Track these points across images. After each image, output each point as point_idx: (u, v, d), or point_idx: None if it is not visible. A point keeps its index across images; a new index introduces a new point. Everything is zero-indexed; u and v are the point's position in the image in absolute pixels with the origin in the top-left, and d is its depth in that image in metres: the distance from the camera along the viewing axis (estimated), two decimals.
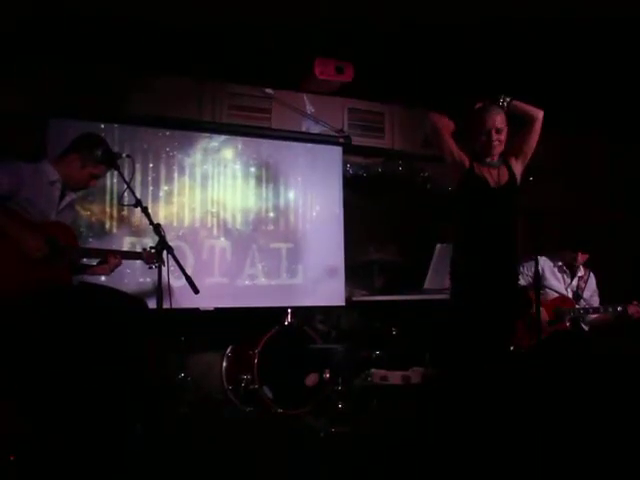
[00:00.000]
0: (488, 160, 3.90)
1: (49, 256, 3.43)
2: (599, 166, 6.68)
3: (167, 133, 5.29)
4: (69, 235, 3.67)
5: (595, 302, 5.15)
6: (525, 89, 5.71)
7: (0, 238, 3.30)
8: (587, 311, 5.00)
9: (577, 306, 5.07)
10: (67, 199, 3.78)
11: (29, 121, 4.81)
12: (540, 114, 4.03)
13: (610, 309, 4.97)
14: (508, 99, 4.00)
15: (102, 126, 4.87)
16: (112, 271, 3.92)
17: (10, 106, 4.74)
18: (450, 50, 5.12)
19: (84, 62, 4.98)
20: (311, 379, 5.06)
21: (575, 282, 5.18)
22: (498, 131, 3.84)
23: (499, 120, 3.86)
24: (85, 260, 3.99)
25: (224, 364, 5.20)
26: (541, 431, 3.78)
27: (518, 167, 4.00)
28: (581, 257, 5.11)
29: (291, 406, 4.91)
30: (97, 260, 3.92)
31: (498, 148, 3.89)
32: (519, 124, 4.00)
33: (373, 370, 5.15)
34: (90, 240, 4.88)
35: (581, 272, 5.20)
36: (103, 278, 4.08)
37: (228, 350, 5.24)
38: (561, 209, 6.14)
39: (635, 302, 4.88)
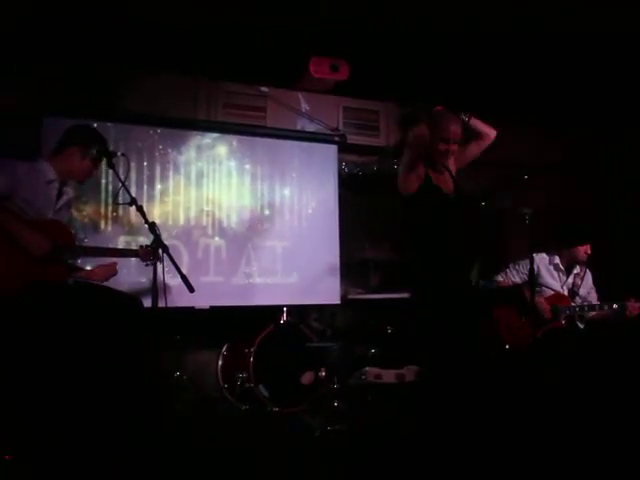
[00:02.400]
0: (438, 167, 3.92)
1: (48, 255, 3.42)
2: (597, 164, 6.68)
3: (162, 131, 5.28)
4: (66, 234, 3.67)
5: (593, 299, 5.17)
6: (523, 87, 5.80)
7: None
8: (583, 308, 5.02)
9: (573, 304, 5.08)
10: (64, 198, 3.77)
11: (24, 120, 4.79)
12: (493, 134, 4.02)
13: (606, 307, 4.99)
14: (468, 115, 3.96)
15: (96, 124, 4.84)
16: (107, 279, 3.92)
17: (4, 104, 4.72)
18: (445, 48, 5.12)
19: (78, 60, 4.98)
20: (307, 377, 5.06)
21: (571, 279, 5.19)
22: (455, 142, 3.85)
23: (459, 131, 3.86)
24: (79, 262, 3.99)
25: (220, 362, 5.20)
26: (536, 429, 3.79)
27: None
28: (583, 251, 5.10)
29: (287, 404, 4.90)
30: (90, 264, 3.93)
31: (451, 157, 3.93)
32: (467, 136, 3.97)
33: (367, 368, 5.17)
34: (85, 239, 4.86)
35: (577, 269, 5.21)
36: None
37: (224, 348, 5.25)
38: (559, 207, 6.15)
39: (633, 299, 4.90)
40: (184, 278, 3.56)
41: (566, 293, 5.14)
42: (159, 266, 3.63)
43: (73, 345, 3.33)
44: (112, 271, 3.92)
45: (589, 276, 5.25)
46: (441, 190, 3.90)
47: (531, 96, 6.05)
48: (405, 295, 5.52)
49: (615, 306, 4.96)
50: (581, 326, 5.04)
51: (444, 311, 3.97)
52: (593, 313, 5.04)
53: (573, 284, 5.18)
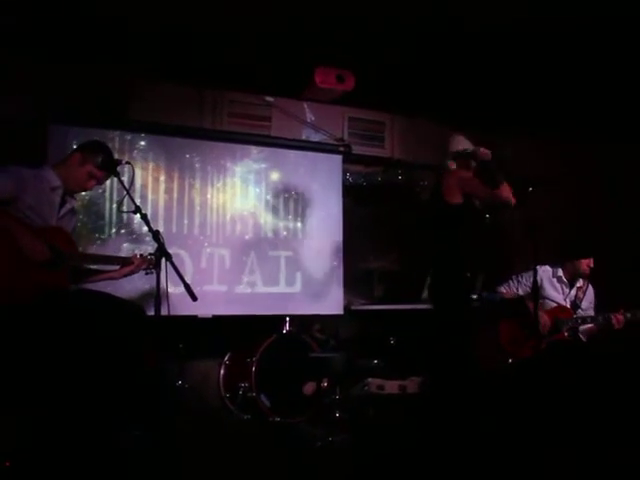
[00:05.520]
0: None
1: (49, 261, 3.43)
2: (600, 176, 6.68)
3: (167, 140, 5.29)
4: (68, 241, 3.67)
5: (590, 313, 5.16)
6: (526, 99, 5.80)
7: (2, 240, 3.29)
8: (584, 321, 5.01)
9: (575, 316, 5.07)
10: (67, 206, 3.78)
11: (29, 127, 4.81)
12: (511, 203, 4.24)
13: (599, 318, 4.98)
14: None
15: (102, 132, 4.86)
16: (124, 276, 3.95)
17: (10, 111, 4.74)
18: (451, 59, 5.13)
19: (85, 69, 5.00)
20: (309, 388, 5.05)
21: (573, 292, 5.18)
22: None
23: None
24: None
25: (222, 372, 5.19)
26: (539, 440, 3.78)
27: None
28: (586, 264, 5.10)
29: (288, 414, 4.89)
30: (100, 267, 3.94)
31: None
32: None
33: (370, 379, 5.15)
34: (89, 246, 4.87)
35: (580, 283, 5.21)
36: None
37: (226, 358, 5.24)
38: (562, 219, 6.15)
39: (622, 311, 4.89)
40: (187, 287, 3.56)
41: (569, 306, 5.13)
42: (162, 275, 3.62)
43: (73, 351, 3.33)
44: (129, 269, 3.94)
45: (591, 290, 5.24)
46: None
47: (536, 110, 6.06)
48: (409, 306, 5.56)
49: (601, 318, 4.96)
50: (584, 339, 5.02)
51: (457, 320, 4.09)
52: (587, 326, 5.03)
53: (576, 297, 5.18)
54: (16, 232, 3.34)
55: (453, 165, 4.32)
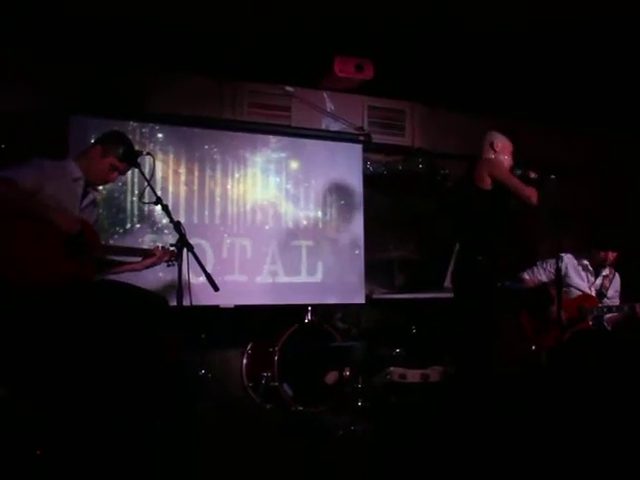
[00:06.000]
0: None
1: (74, 252, 3.45)
2: (626, 164, 6.60)
3: (188, 131, 5.30)
4: (91, 232, 3.69)
5: (616, 302, 5.11)
6: (553, 86, 5.74)
7: (26, 235, 3.32)
8: (609, 310, 4.97)
9: (600, 305, 5.03)
10: (90, 197, 3.80)
11: (50, 120, 4.84)
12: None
13: (624, 308, 4.94)
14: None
15: (122, 124, 4.87)
16: (146, 268, 3.98)
17: (32, 104, 4.78)
18: (472, 47, 5.08)
19: (106, 61, 5.02)
20: (331, 377, 5.06)
21: (599, 281, 5.14)
22: None
23: None
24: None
25: (244, 361, 5.22)
26: (563, 430, 3.76)
27: None
28: (611, 255, 5.07)
29: (311, 404, 4.90)
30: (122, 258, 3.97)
31: None
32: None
33: (392, 368, 5.15)
34: (110, 238, 4.91)
35: (606, 271, 5.16)
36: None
37: (248, 347, 5.26)
38: (588, 208, 6.09)
39: None
40: (209, 277, 3.56)
41: (594, 294, 5.09)
42: (183, 265, 3.63)
43: (97, 340, 3.36)
44: (151, 260, 3.96)
45: (617, 278, 5.20)
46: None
47: (560, 96, 5.99)
48: (430, 295, 5.54)
49: (626, 308, 4.91)
50: (609, 328, 4.98)
51: (480, 308, 4.09)
52: (610, 315, 4.98)
53: (601, 285, 5.13)
54: (43, 210, 3.36)
55: (491, 154, 4.31)
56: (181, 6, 4.38)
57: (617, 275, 5.20)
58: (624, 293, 5.22)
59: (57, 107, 4.85)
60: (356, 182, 5.86)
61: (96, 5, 4.33)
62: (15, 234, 3.29)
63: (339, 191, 5.79)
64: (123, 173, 3.95)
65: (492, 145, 4.32)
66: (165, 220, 4.86)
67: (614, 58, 5.21)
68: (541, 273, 5.16)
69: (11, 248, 3.27)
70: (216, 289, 3.56)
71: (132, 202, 5.07)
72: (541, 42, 4.94)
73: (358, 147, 5.95)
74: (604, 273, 5.15)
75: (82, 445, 3.20)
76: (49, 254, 3.38)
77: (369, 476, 3.40)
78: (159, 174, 5.08)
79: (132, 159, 3.78)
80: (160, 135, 5.20)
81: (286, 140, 5.65)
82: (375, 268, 5.95)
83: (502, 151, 4.32)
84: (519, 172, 4.25)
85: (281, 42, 4.97)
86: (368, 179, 5.97)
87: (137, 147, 4.01)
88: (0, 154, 4.65)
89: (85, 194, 3.76)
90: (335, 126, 5.94)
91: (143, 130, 5.13)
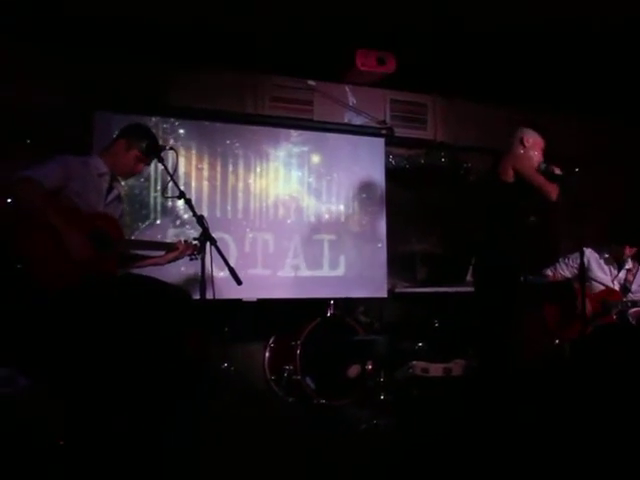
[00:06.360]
0: None
1: (97, 247, 3.49)
2: None
3: (210, 125, 5.33)
4: (115, 227, 3.73)
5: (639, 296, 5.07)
6: (571, 77, 5.68)
7: (48, 231, 3.36)
8: (634, 304, 4.92)
9: (624, 299, 4.99)
10: (114, 192, 3.85)
11: (75, 114, 4.89)
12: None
13: None
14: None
15: (145, 119, 4.90)
16: (169, 262, 4.01)
17: (57, 100, 4.83)
18: (493, 41, 5.05)
19: (129, 56, 5.06)
20: (353, 370, 5.07)
21: (622, 274, 5.10)
22: None
23: None
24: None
25: (267, 354, 5.24)
26: (585, 425, 3.74)
27: None
28: (629, 250, 5.03)
29: (333, 397, 4.92)
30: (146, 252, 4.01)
31: None
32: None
33: (414, 362, 5.15)
34: (134, 232, 4.95)
35: (629, 264, 5.12)
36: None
37: (271, 340, 5.29)
38: (608, 201, 6.03)
39: None
40: (232, 271, 3.58)
41: (617, 288, 5.05)
42: (207, 259, 3.66)
43: (121, 336, 3.40)
44: (174, 254, 3.99)
45: None
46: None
47: (581, 88, 5.93)
48: (452, 289, 5.54)
49: None
50: (633, 322, 4.94)
51: (503, 303, 4.10)
52: (635, 309, 4.94)
53: (625, 279, 5.09)
54: (60, 225, 3.37)
55: (520, 149, 4.31)
56: (205, 1, 4.41)
57: None
58: None
59: (82, 103, 4.89)
60: (378, 176, 5.86)
61: (120, 4, 4.37)
62: (38, 230, 3.33)
63: (361, 185, 5.79)
64: (148, 164, 4.00)
65: (522, 140, 4.32)
66: (188, 215, 4.90)
67: (633, 46, 5.15)
68: (564, 269, 5.14)
69: (34, 244, 3.32)
70: (239, 283, 3.58)
71: (155, 197, 5.11)
72: (560, 32, 4.90)
73: (380, 141, 5.94)
74: (627, 267, 5.10)
75: (106, 437, 3.24)
76: (77, 246, 3.41)
77: (391, 470, 3.41)
78: (182, 169, 5.12)
79: (156, 153, 3.81)
80: (182, 130, 5.23)
81: (308, 134, 5.65)
82: (397, 262, 5.95)
83: (532, 147, 4.33)
84: (544, 167, 4.23)
85: (303, 36, 4.98)
86: (390, 173, 5.96)
87: (160, 141, 4.05)
88: (26, 149, 4.71)
89: (110, 189, 3.81)
90: (357, 120, 5.93)
91: (165, 125, 5.17)
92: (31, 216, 3.34)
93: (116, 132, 4.00)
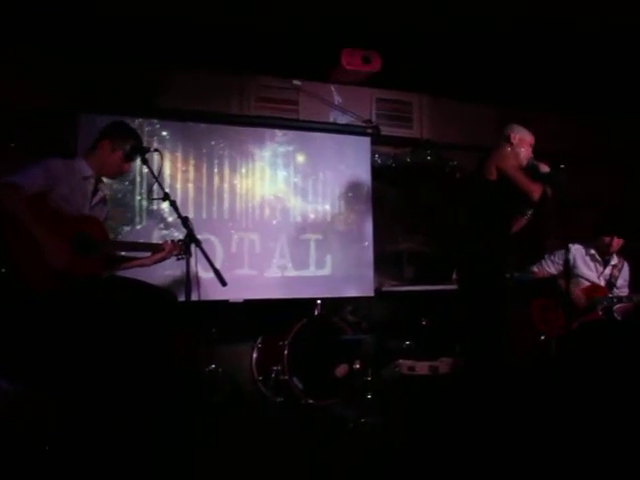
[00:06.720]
0: None
1: (81, 249, 3.49)
2: (632, 152, 6.55)
3: (196, 125, 5.32)
4: (101, 229, 3.73)
5: (625, 292, 5.09)
6: (556, 76, 5.71)
7: (32, 235, 3.34)
8: (619, 300, 4.95)
9: (610, 295, 5.01)
10: (99, 194, 3.85)
11: (60, 117, 4.87)
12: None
13: (633, 298, 4.92)
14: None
15: (131, 120, 4.88)
16: (155, 263, 4.00)
17: (41, 102, 4.80)
18: (479, 37, 5.06)
19: (113, 57, 5.03)
20: (341, 370, 5.07)
21: (608, 270, 5.12)
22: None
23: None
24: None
25: (254, 355, 5.24)
26: (574, 423, 3.76)
27: None
28: (616, 242, 5.05)
29: (321, 397, 4.92)
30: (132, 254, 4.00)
31: None
32: None
33: (401, 360, 5.16)
34: (120, 235, 4.94)
35: (615, 260, 5.15)
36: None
37: (258, 341, 5.28)
38: (595, 196, 6.06)
39: None
40: (217, 272, 3.59)
41: (603, 284, 5.08)
42: (192, 260, 3.66)
43: (105, 337, 3.39)
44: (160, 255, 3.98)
45: (627, 267, 5.18)
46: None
47: (567, 85, 5.96)
48: (439, 287, 5.55)
49: (635, 298, 4.90)
50: (619, 318, 4.97)
51: (489, 300, 4.12)
52: (619, 305, 4.97)
53: (611, 275, 5.12)
54: (39, 234, 3.35)
55: (508, 146, 4.34)
56: (188, 2, 4.40)
57: (626, 264, 5.18)
58: (635, 282, 5.20)
59: (66, 105, 4.87)
60: (364, 175, 5.86)
61: (103, 4, 4.36)
62: (22, 235, 3.32)
63: (347, 184, 5.79)
64: (134, 160, 3.98)
65: (509, 137, 4.34)
66: (173, 217, 4.90)
67: (617, 45, 5.18)
68: (550, 265, 5.16)
69: (19, 249, 3.31)
70: (224, 284, 3.59)
71: (139, 200, 5.09)
72: (544, 30, 4.91)
73: (366, 140, 5.94)
74: (613, 262, 5.13)
75: (93, 440, 3.23)
76: (55, 254, 3.40)
77: (379, 468, 3.42)
78: (166, 171, 5.11)
79: (141, 154, 3.81)
80: (167, 132, 5.21)
81: (293, 134, 5.65)
82: (384, 260, 5.95)
83: (520, 144, 4.34)
84: (532, 164, 4.25)
85: (288, 36, 4.98)
86: (376, 171, 5.96)
87: (145, 143, 4.03)
88: (9, 153, 4.69)
89: (95, 192, 3.81)
90: (343, 119, 5.93)
91: (150, 128, 5.15)
92: (16, 221, 3.33)
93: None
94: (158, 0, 4.39)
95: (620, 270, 5.15)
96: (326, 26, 4.87)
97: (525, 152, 4.32)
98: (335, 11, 4.62)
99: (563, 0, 4.45)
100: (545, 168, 4.19)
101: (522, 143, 4.33)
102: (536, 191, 4.11)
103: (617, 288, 5.10)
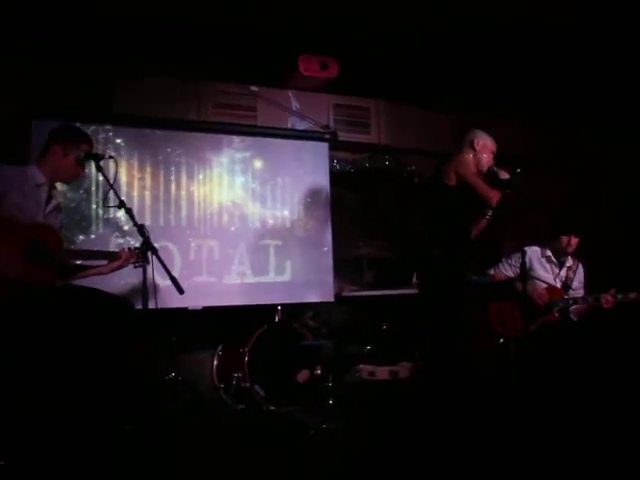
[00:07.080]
0: None
1: (34, 258, 3.42)
2: (585, 156, 6.67)
3: (152, 132, 5.27)
4: (55, 237, 3.67)
5: (580, 293, 5.17)
6: (514, 81, 5.80)
7: None
8: (575, 301, 5.02)
9: (566, 296, 5.08)
10: (53, 202, 3.78)
11: (13, 123, 4.78)
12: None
13: (589, 299, 4.99)
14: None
15: (85, 127, 4.81)
16: (112, 271, 3.93)
17: None
18: (435, 43, 5.12)
19: (68, 62, 4.96)
20: (303, 376, 5.06)
21: (564, 272, 5.19)
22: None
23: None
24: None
25: (215, 362, 5.19)
26: (530, 424, 3.80)
27: None
28: (573, 241, 5.11)
29: (283, 403, 4.90)
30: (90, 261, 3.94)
31: None
32: None
33: (361, 366, 5.17)
34: (76, 243, 4.87)
35: (570, 262, 5.22)
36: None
37: (219, 349, 5.24)
38: (549, 199, 6.15)
39: (612, 291, 4.89)
40: (173, 280, 3.55)
41: (559, 286, 5.15)
42: (149, 268, 3.62)
43: (60, 347, 3.34)
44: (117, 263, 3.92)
45: (581, 269, 5.25)
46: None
47: (523, 90, 6.05)
48: (399, 292, 5.57)
49: (590, 299, 4.97)
50: (575, 319, 5.05)
51: (448, 304, 4.15)
52: (575, 306, 5.04)
53: (566, 277, 5.19)
54: None
55: (470, 152, 4.37)
56: (145, 6, 4.36)
57: (580, 266, 5.25)
58: (590, 283, 5.27)
59: (18, 111, 4.79)
60: (323, 180, 5.87)
61: (59, 4, 4.29)
62: None
63: (306, 189, 5.79)
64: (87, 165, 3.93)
65: (472, 143, 4.37)
66: (129, 225, 4.84)
67: (576, 50, 5.28)
68: (507, 268, 5.22)
69: None
70: (181, 292, 3.56)
71: (95, 209, 5.02)
72: (501, 35, 4.98)
73: (324, 145, 5.95)
74: (568, 264, 5.20)
75: (50, 452, 3.18)
76: (7, 262, 3.34)
77: (341, 474, 3.42)
78: (122, 179, 5.05)
79: (95, 159, 3.76)
80: (122, 139, 5.15)
81: (251, 140, 5.62)
82: (344, 266, 5.96)
83: (482, 150, 4.36)
84: (492, 170, 4.28)
85: (246, 41, 4.97)
86: (335, 177, 5.98)
87: (100, 149, 3.98)
88: None
89: (49, 199, 3.75)
90: (301, 125, 5.93)
91: (104, 135, 5.08)
92: None
93: None
94: (114, 5, 4.34)
95: (575, 272, 5.23)
96: (283, 31, 4.87)
97: (487, 158, 4.36)
98: (292, 16, 4.63)
99: (507, 5, 4.52)
100: (505, 175, 4.22)
101: (484, 149, 4.37)
102: (494, 197, 4.16)
103: (573, 289, 5.17)
